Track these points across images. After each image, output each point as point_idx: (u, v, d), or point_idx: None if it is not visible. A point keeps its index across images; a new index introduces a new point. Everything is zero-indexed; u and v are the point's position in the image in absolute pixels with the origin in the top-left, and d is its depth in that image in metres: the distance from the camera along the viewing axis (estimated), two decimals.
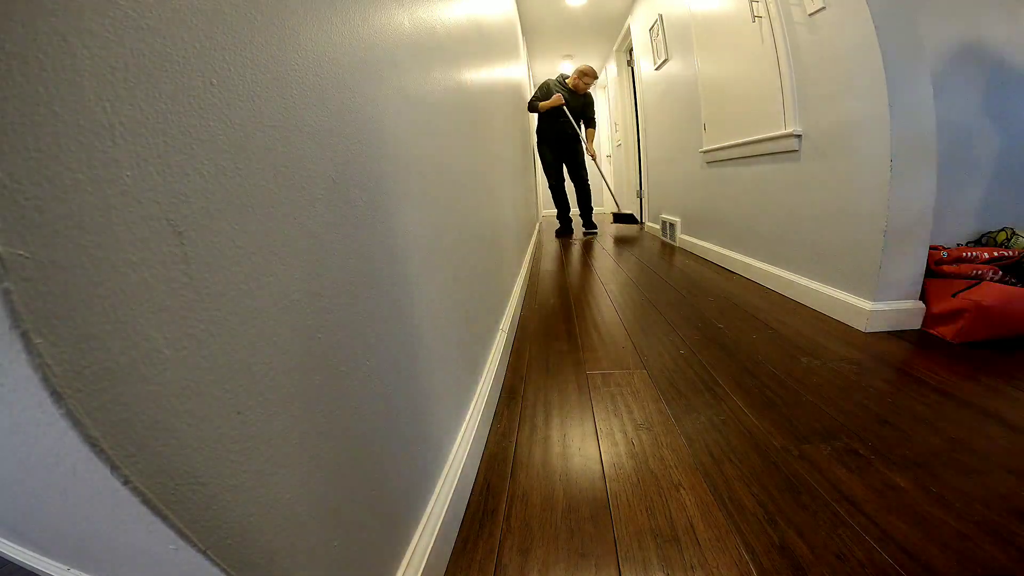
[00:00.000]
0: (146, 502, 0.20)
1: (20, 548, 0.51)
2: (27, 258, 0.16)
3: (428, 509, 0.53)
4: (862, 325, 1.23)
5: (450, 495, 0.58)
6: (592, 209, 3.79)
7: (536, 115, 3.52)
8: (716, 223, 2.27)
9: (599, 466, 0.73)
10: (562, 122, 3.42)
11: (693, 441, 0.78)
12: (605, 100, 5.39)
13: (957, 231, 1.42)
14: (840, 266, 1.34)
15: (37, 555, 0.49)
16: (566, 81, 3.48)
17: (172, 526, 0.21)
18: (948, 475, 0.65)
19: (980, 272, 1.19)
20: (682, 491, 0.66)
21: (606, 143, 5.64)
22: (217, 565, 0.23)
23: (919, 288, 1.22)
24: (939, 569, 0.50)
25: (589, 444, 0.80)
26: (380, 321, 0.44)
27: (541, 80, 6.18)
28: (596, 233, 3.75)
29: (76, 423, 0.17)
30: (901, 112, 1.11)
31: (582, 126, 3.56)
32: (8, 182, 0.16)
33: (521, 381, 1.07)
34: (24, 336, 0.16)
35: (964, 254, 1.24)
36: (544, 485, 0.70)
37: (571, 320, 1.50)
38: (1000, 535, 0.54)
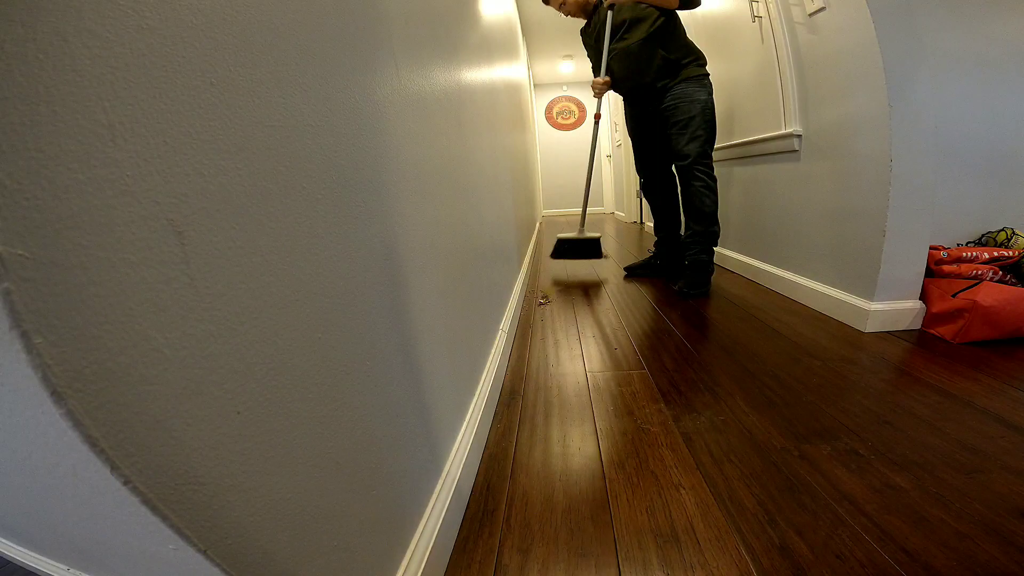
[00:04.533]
0: (146, 502, 0.20)
1: (20, 548, 0.51)
2: (27, 258, 0.16)
3: (428, 509, 0.53)
4: (862, 325, 1.23)
5: (450, 495, 0.58)
6: (715, 234, 1.68)
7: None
8: None
9: (599, 466, 0.73)
10: (632, 45, 1.58)
11: (693, 441, 0.78)
12: (605, 100, 5.39)
13: (957, 231, 1.42)
14: (840, 266, 1.34)
15: (37, 555, 0.49)
16: None
17: (172, 526, 0.21)
18: (948, 475, 0.65)
19: (980, 272, 1.19)
20: (682, 491, 0.66)
21: (606, 143, 5.65)
22: (217, 565, 0.23)
23: (919, 288, 1.22)
24: (939, 569, 0.50)
25: (589, 444, 0.79)
26: (379, 320, 0.44)
27: (541, 80, 6.18)
28: (706, 293, 1.70)
29: (76, 423, 0.17)
30: (901, 112, 1.11)
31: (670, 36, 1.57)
32: (8, 182, 0.16)
33: (521, 381, 1.07)
34: (24, 336, 0.16)
35: (964, 254, 1.24)
36: (544, 485, 0.70)
37: (571, 320, 1.50)
38: (1000, 535, 0.54)
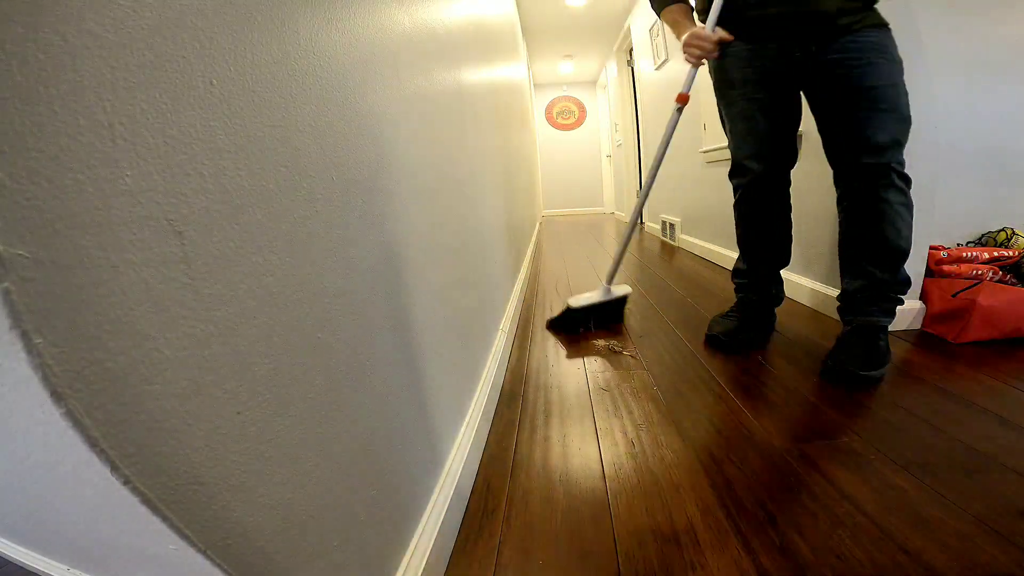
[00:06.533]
0: (146, 502, 0.20)
1: (20, 548, 0.51)
2: (27, 258, 0.16)
3: (428, 509, 0.53)
4: None
5: (450, 495, 0.58)
6: (906, 287, 1.04)
7: None
8: (716, 223, 2.27)
9: (599, 466, 0.73)
10: None
11: (693, 441, 0.78)
12: (605, 100, 5.40)
13: (957, 231, 1.42)
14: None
15: (37, 555, 0.49)
16: None
17: (172, 526, 0.21)
18: (948, 475, 0.65)
19: (980, 272, 1.19)
20: (682, 491, 0.66)
21: (606, 143, 5.65)
22: (217, 565, 0.23)
23: (919, 288, 1.22)
24: (939, 569, 0.50)
25: (589, 444, 0.79)
26: (379, 320, 0.44)
27: (541, 80, 6.17)
28: (883, 373, 0.97)
29: (76, 423, 0.17)
30: None
31: None
32: (8, 182, 0.16)
33: (521, 381, 1.07)
34: (24, 336, 0.16)
35: (964, 254, 1.24)
36: (544, 485, 0.70)
37: None
38: (1000, 535, 0.54)
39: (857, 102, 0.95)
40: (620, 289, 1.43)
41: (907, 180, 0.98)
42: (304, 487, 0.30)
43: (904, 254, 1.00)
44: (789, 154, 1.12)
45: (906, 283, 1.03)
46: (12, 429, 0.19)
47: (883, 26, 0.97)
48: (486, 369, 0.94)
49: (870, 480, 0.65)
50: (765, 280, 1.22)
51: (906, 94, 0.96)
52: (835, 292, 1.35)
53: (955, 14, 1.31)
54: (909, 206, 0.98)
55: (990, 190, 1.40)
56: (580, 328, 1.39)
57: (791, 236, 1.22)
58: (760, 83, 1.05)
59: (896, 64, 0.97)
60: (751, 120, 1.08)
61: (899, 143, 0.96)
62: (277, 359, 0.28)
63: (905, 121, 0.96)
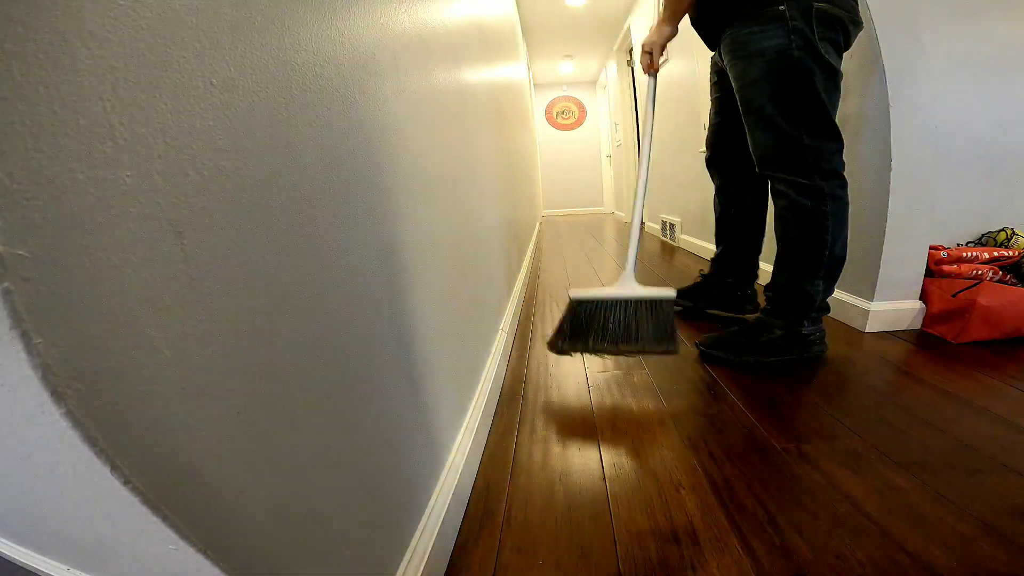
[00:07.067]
0: (146, 502, 0.20)
1: (20, 548, 0.51)
2: (27, 258, 0.16)
3: (428, 509, 0.53)
4: (862, 325, 1.23)
5: (450, 495, 0.58)
6: (806, 297, 1.00)
7: None
8: None
9: (599, 466, 0.73)
10: None
11: (693, 441, 0.78)
12: (605, 100, 5.39)
13: (957, 231, 1.42)
14: None
15: (37, 555, 0.49)
16: None
17: (172, 526, 0.21)
18: (948, 475, 0.65)
19: (980, 272, 1.20)
20: (682, 491, 0.66)
21: (606, 143, 5.65)
22: (217, 565, 0.23)
23: (919, 288, 1.22)
24: (939, 569, 0.50)
25: (589, 444, 0.79)
26: (380, 320, 0.44)
27: (541, 80, 6.17)
28: (737, 363, 1.04)
29: (76, 423, 0.17)
30: (901, 112, 1.11)
31: None
32: (8, 182, 0.16)
33: (521, 381, 1.07)
34: (24, 336, 0.16)
35: (964, 254, 1.24)
36: (544, 485, 0.70)
37: None
38: (1000, 535, 0.54)
39: (740, 109, 1.00)
40: (660, 288, 0.98)
41: (797, 185, 0.94)
42: (304, 487, 0.30)
43: (792, 255, 0.99)
44: (736, 144, 1.17)
45: (807, 297, 0.99)
46: (12, 429, 0.19)
47: (744, 16, 0.88)
48: (486, 369, 0.94)
49: (870, 480, 0.65)
50: (721, 257, 1.39)
51: (771, 90, 0.89)
52: (837, 293, 1.35)
53: (956, 15, 1.31)
54: (803, 210, 0.94)
55: (990, 190, 1.40)
56: (591, 340, 0.97)
57: (753, 221, 1.31)
58: (715, 85, 1.23)
59: (752, 59, 0.87)
60: (711, 113, 1.28)
61: (767, 154, 0.96)
62: (277, 359, 0.28)
63: (768, 121, 0.90)
